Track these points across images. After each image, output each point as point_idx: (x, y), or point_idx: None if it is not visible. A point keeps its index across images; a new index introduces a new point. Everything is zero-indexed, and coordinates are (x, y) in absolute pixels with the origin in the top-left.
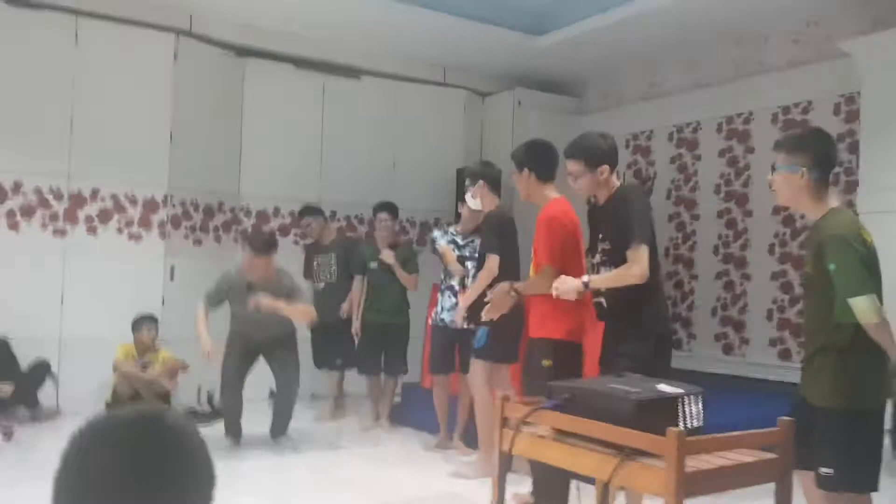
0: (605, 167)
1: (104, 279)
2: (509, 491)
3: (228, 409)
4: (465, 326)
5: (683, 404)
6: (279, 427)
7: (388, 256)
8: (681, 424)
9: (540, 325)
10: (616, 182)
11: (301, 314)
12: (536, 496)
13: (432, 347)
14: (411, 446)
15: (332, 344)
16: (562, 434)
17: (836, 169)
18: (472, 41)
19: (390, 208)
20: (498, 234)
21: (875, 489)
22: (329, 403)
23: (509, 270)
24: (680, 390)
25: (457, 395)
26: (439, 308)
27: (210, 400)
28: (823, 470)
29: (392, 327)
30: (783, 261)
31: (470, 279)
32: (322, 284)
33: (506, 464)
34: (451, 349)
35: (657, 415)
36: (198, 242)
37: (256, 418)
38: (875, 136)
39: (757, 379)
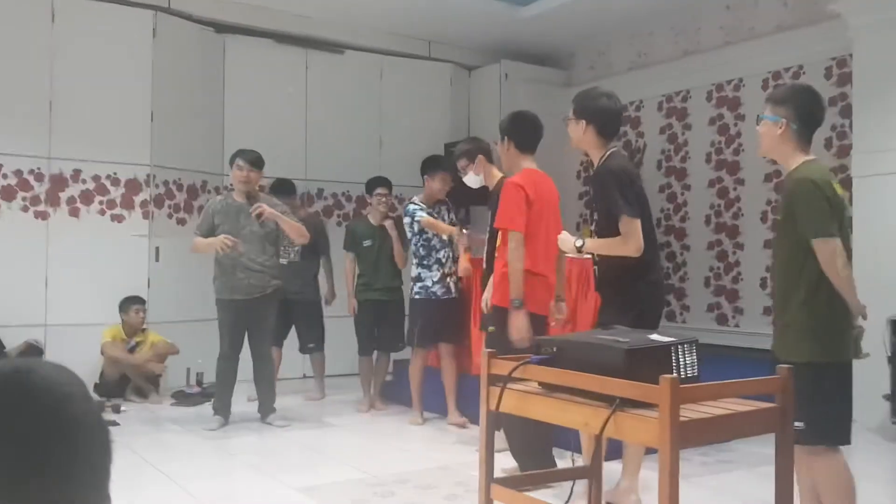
0: (584, 122)
1: (88, 262)
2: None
3: (221, 383)
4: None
5: (677, 353)
6: (266, 405)
7: (391, 226)
8: (675, 374)
9: (494, 291)
10: (610, 149)
11: (297, 230)
12: (521, 465)
13: (423, 321)
14: (403, 422)
15: (300, 328)
16: (549, 389)
17: (829, 133)
18: (456, 13)
19: (387, 183)
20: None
21: (846, 442)
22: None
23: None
24: (673, 339)
25: (438, 367)
26: (429, 283)
27: (200, 381)
28: (796, 424)
29: (388, 304)
30: (776, 228)
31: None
32: (285, 261)
33: (493, 422)
34: (441, 322)
35: (650, 364)
36: (182, 222)
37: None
38: (867, 98)
39: (752, 349)
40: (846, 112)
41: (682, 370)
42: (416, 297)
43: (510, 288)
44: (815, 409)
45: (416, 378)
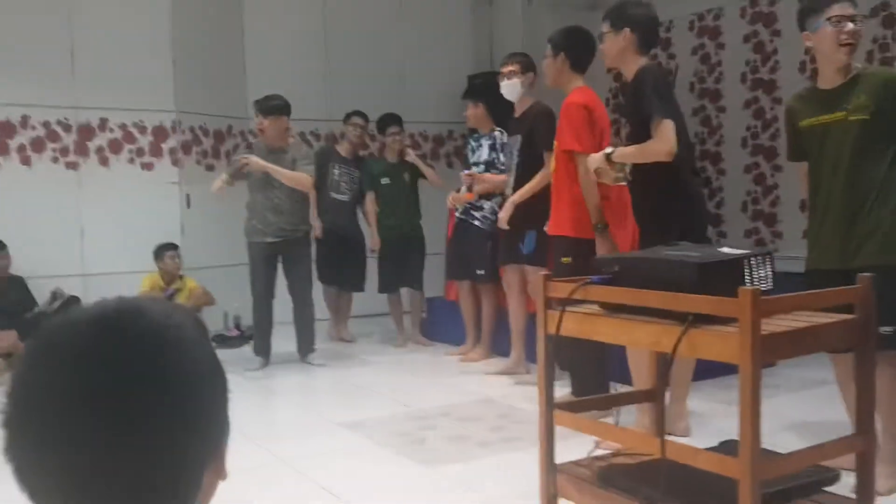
0: (628, 30)
1: (121, 211)
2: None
3: (258, 326)
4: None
5: (751, 266)
6: (306, 345)
7: (412, 155)
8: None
9: (556, 223)
10: (643, 60)
11: (293, 178)
12: (577, 393)
13: (493, 251)
14: (441, 357)
15: (348, 266)
16: (612, 311)
17: (871, 46)
18: None
19: (398, 120)
20: (551, 130)
21: None
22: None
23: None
24: (745, 251)
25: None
26: (489, 212)
27: (238, 324)
28: (884, 329)
29: (412, 241)
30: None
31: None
32: (346, 198)
33: (553, 346)
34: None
35: (723, 279)
36: (210, 168)
37: (285, 339)
38: None
39: (793, 273)
40: (889, 22)
41: (755, 284)
42: (479, 224)
43: (591, 213)
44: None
45: (494, 315)
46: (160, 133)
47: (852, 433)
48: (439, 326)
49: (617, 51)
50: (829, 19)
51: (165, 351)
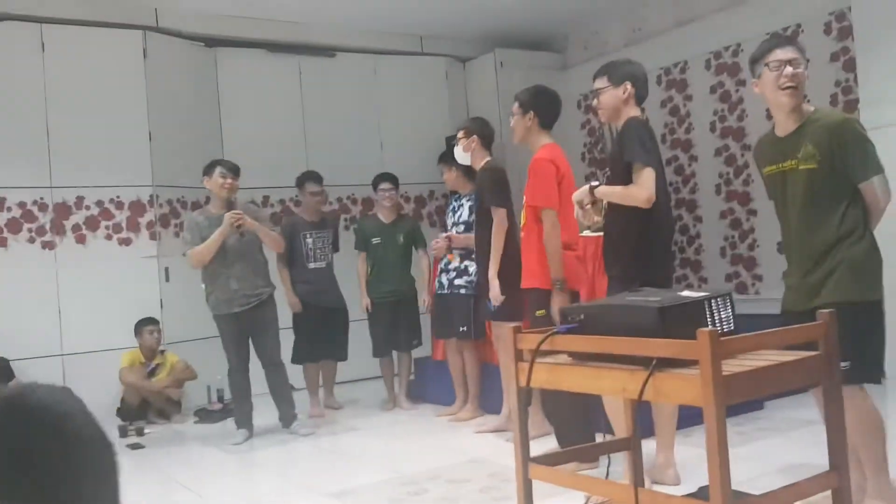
0: (628, 84)
1: (99, 288)
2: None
3: (237, 398)
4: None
5: (712, 308)
6: (287, 412)
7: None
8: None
9: (531, 275)
10: (636, 112)
11: (274, 240)
12: (562, 445)
13: (476, 314)
14: (430, 419)
15: (336, 336)
16: (580, 359)
17: (834, 89)
18: (446, 6)
19: (391, 178)
20: (501, 187)
21: (883, 377)
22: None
23: (512, 224)
24: (706, 293)
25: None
26: (474, 276)
27: (221, 397)
28: (843, 364)
29: (403, 301)
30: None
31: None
32: (319, 265)
33: (525, 399)
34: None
35: (684, 321)
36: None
37: (267, 410)
38: (870, 49)
39: (775, 315)
40: (850, 66)
41: (717, 325)
42: (464, 291)
43: (552, 268)
44: (863, 348)
45: (479, 372)
46: (137, 208)
47: (826, 471)
48: (428, 387)
49: (615, 104)
50: (767, 64)
51: (59, 423)
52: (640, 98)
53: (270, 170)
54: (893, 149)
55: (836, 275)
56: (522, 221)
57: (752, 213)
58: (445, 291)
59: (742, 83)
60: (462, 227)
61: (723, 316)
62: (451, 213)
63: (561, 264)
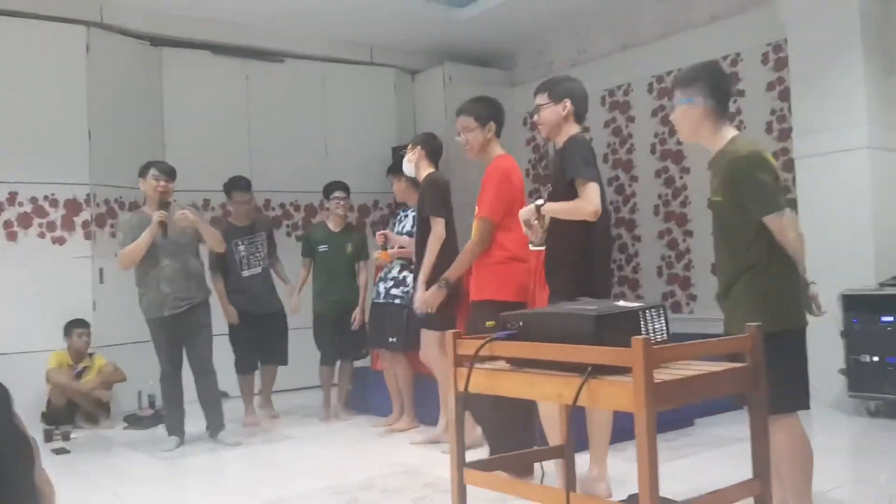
0: (568, 101)
1: (30, 287)
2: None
3: (169, 404)
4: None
5: (646, 318)
6: (214, 422)
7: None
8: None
9: (481, 287)
10: (576, 129)
11: (216, 238)
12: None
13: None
14: (367, 430)
15: (273, 341)
16: (518, 365)
17: (769, 117)
18: (396, 18)
19: (343, 187)
20: (441, 197)
21: (805, 407)
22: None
23: (450, 236)
24: (640, 304)
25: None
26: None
27: (152, 403)
28: None
29: (350, 310)
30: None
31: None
32: (252, 272)
33: (462, 404)
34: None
35: (619, 330)
36: None
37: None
38: (804, 81)
39: (707, 334)
40: (784, 95)
41: (651, 335)
42: (400, 301)
43: (455, 267)
44: (772, 378)
45: (411, 383)
46: (73, 206)
47: (750, 478)
48: (367, 397)
49: (556, 120)
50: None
51: None
52: (579, 115)
53: (212, 173)
54: (825, 176)
55: (741, 306)
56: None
57: (689, 234)
58: (381, 300)
59: None
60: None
61: (657, 326)
62: (395, 224)
63: (461, 268)
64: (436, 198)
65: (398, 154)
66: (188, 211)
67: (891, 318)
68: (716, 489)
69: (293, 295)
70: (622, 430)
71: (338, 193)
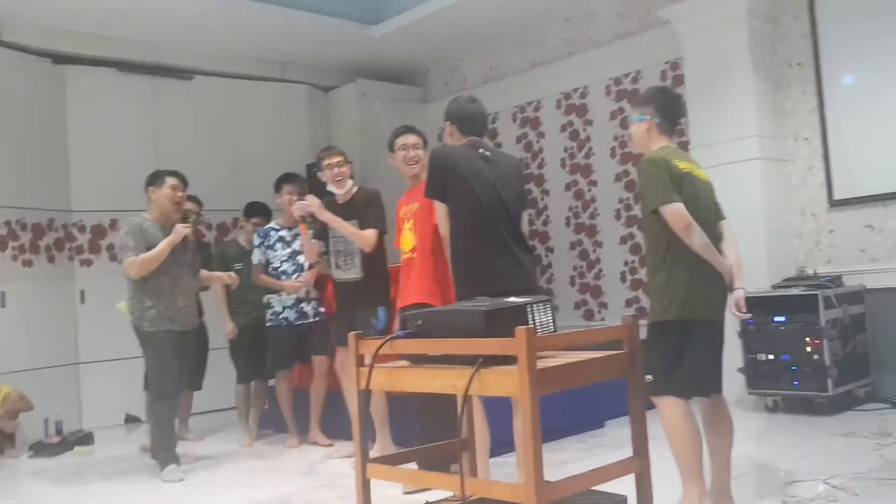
0: (448, 123)
1: None
2: None
3: (166, 430)
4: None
5: (533, 312)
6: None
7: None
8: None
9: (405, 295)
10: (464, 141)
11: (221, 277)
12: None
13: (276, 348)
14: (284, 447)
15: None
16: (419, 362)
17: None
18: (308, 35)
19: (267, 212)
20: (380, 210)
21: (700, 394)
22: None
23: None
24: (527, 299)
25: (303, 387)
26: (279, 308)
27: (59, 429)
28: (647, 377)
29: (262, 327)
30: (629, 224)
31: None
32: None
33: (365, 401)
34: (296, 344)
35: (508, 324)
36: (28, 264)
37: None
38: (698, 96)
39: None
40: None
41: (538, 327)
42: (302, 319)
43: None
44: (658, 363)
45: (283, 402)
46: None
47: (630, 456)
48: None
49: (448, 140)
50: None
51: None
52: (466, 131)
53: (120, 193)
54: (720, 187)
55: (651, 298)
56: (412, 244)
57: (599, 244)
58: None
59: (590, 123)
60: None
61: (543, 320)
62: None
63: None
64: (376, 210)
65: (312, 170)
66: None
67: (783, 319)
68: (598, 467)
69: (225, 319)
70: (503, 441)
71: (256, 220)
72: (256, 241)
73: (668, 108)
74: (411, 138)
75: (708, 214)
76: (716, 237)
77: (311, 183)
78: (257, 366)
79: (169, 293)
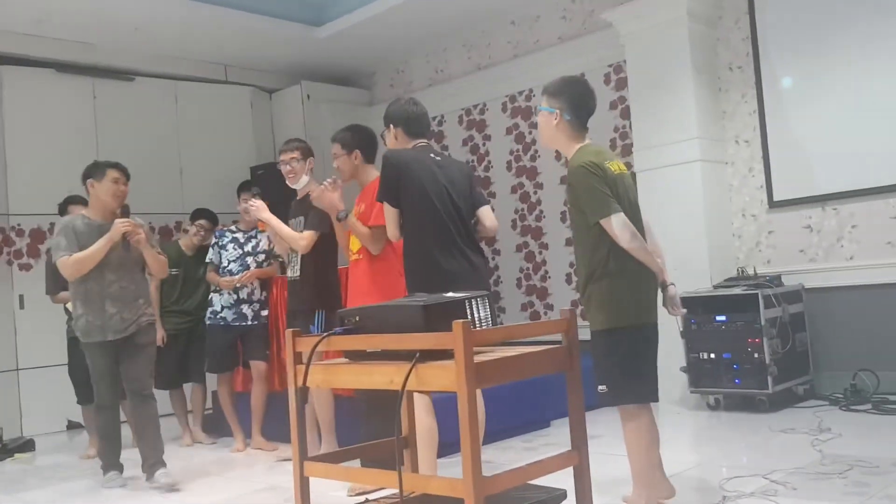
0: (391, 125)
1: None
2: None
3: (108, 441)
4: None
5: (472, 307)
6: (151, 457)
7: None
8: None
9: (354, 298)
10: (411, 144)
11: (161, 265)
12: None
13: (213, 348)
14: (228, 452)
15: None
16: (357, 358)
17: (613, 134)
18: (251, 36)
19: (213, 218)
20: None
21: (653, 399)
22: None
23: (331, 251)
24: (466, 294)
25: (248, 391)
26: (218, 307)
27: None
28: (600, 387)
29: (196, 331)
30: (570, 215)
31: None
32: None
33: (302, 399)
34: (234, 346)
35: (446, 318)
36: None
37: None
38: (641, 99)
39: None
40: (626, 114)
41: (477, 324)
42: (208, 322)
43: (354, 229)
44: (614, 372)
45: (226, 406)
46: None
47: (569, 450)
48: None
49: (391, 144)
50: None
51: None
52: (413, 133)
53: (59, 196)
54: (662, 187)
55: (589, 306)
56: (359, 245)
57: (545, 246)
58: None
59: (534, 125)
60: (263, 257)
61: (482, 315)
62: (246, 244)
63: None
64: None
65: (257, 173)
66: (140, 228)
67: (724, 318)
68: (538, 460)
69: (157, 324)
70: (452, 442)
71: (202, 222)
72: (212, 240)
73: (581, 104)
74: (332, 148)
75: (635, 211)
76: (642, 232)
77: (263, 185)
78: (189, 369)
79: (97, 299)
